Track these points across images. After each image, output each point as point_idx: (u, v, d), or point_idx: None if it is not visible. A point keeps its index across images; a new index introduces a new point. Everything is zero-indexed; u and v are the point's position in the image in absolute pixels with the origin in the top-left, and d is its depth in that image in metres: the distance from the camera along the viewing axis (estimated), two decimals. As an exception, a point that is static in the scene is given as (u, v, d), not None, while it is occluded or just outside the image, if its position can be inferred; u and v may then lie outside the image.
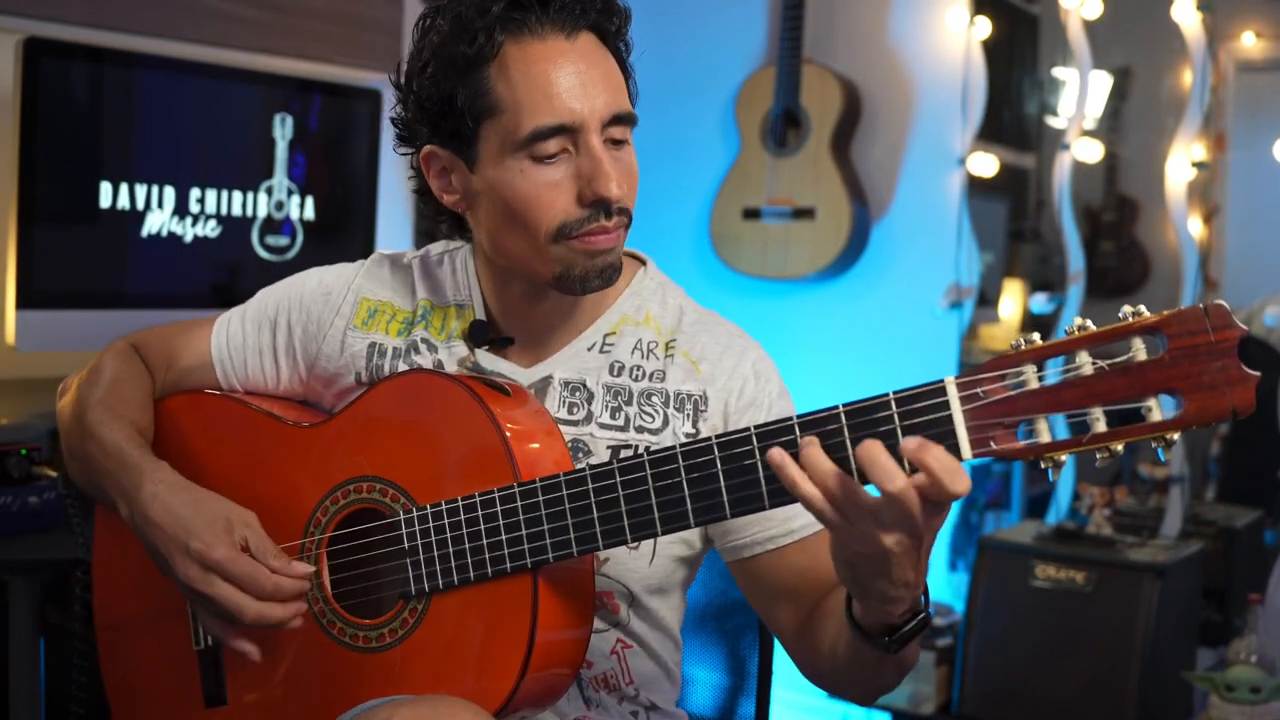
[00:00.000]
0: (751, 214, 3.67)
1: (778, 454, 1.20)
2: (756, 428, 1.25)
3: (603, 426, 1.51)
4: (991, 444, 1.16)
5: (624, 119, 1.44)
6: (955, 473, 1.15)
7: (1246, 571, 3.45)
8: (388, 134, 3.46)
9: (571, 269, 1.44)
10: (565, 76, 1.40)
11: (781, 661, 1.84)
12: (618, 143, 1.44)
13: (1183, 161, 3.59)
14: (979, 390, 1.16)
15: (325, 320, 1.62)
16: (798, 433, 1.22)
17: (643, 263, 1.63)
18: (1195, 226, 3.64)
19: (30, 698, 2.28)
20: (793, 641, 1.50)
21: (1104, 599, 3.10)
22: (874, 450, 1.17)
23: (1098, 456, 1.15)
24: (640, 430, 1.51)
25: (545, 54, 1.41)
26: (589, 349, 1.55)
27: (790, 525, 1.48)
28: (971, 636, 3.25)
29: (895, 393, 1.19)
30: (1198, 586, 3.33)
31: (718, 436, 1.27)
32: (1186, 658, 3.26)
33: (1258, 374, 1.10)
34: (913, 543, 1.19)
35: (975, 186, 3.64)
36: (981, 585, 3.26)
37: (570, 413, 1.52)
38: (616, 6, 1.47)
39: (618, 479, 1.32)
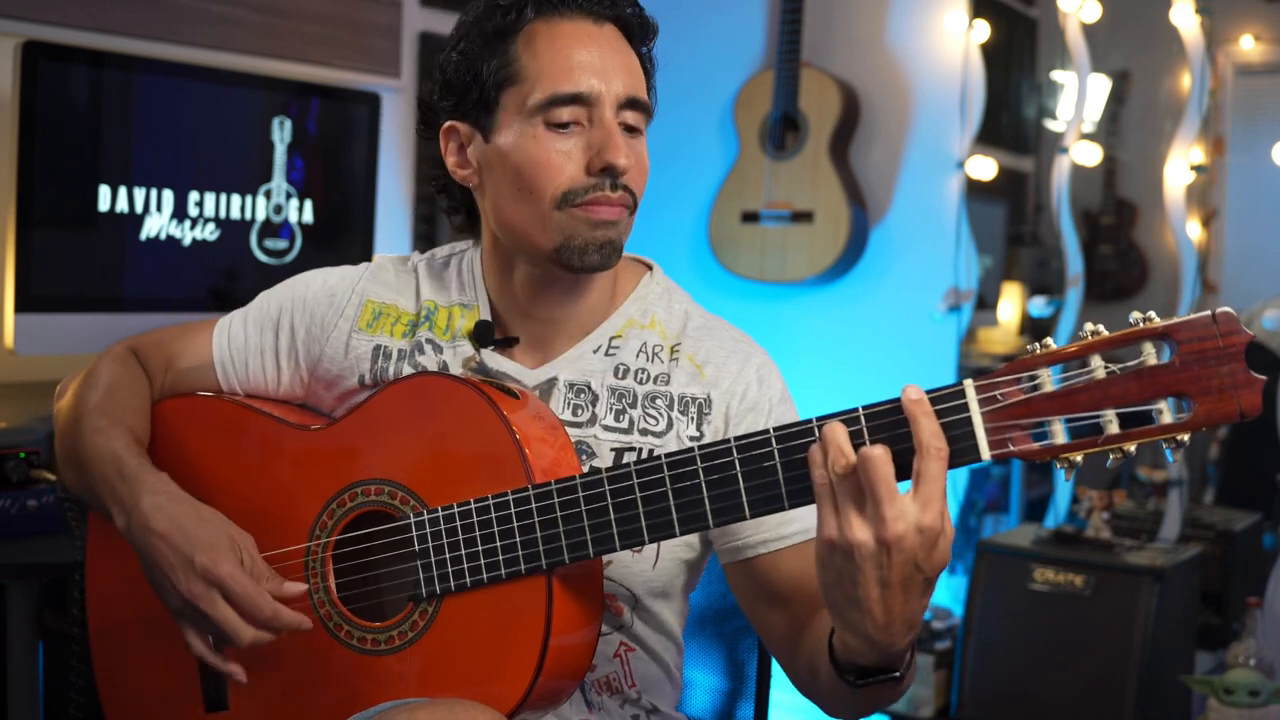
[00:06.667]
0: (750, 217, 3.67)
1: (816, 452, 1.20)
2: (776, 429, 1.26)
3: (607, 429, 1.52)
4: (1010, 445, 1.17)
5: (639, 105, 1.49)
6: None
7: (1245, 575, 3.46)
8: (387, 137, 3.50)
9: (572, 239, 1.46)
10: (587, 53, 1.46)
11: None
12: (632, 130, 1.48)
13: (1181, 165, 3.60)
14: (997, 393, 1.18)
15: (329, 322, 1.62)
16: (818, 434, 1.23)
17: (649, 267, 1.64)
18: (1194, 230, 3.65)
19: (29, 702, 2.27)
20: (781, 651, 1.50)
21: (1102, 603, 3.10)
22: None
23: (1110, 458, 1.17)
24: (644, 433, 1.51)
25: (571, 32, 1.47)
26: (594, 351, 1.55)
27: (784, 530, 1.48)
28: (970, 640, 3.25)
29: None
30: (1196, 590, 3.33)
31: (736, 438, 1.28)
32: (1185, 661, 3.26)
33: (1264, 378, 1.13)
34: (877, 566, 1.16)
35: (974, 190, 3.64)
36: (980, 589, 3.26)
37: (575, 414, 1.52)
38: (646, 17, 1.55)
39: (635, 481, 1.32)
